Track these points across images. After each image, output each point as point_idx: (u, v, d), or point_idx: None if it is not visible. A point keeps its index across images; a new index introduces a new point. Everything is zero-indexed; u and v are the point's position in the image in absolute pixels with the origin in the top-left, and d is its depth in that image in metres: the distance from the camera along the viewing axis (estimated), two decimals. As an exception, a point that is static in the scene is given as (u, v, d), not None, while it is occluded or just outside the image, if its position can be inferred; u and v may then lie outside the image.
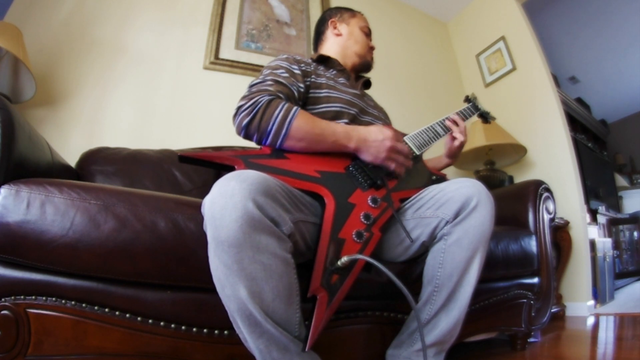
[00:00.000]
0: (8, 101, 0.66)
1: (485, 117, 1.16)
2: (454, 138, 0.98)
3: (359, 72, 1.10)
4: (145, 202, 0.66)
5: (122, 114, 1.54)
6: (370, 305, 0.83)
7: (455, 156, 1.03)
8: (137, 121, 1.56)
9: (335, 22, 1.10)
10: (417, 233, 0.75)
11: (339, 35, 1.08)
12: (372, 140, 0.78)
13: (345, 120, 0.89)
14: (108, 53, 1.59)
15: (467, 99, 1.13)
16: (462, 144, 0.99)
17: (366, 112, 0.98)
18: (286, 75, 0.84)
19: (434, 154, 1.09)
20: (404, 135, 0.94)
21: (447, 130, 0.99)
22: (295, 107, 0.74)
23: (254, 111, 0.72)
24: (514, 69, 2.25)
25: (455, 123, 0.99)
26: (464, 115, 1.06)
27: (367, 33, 1.11)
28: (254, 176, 0.55)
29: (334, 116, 0.89)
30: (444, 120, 1.00)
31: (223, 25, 1.85)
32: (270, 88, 0.77)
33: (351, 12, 1.13)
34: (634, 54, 3.25)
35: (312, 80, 0.91)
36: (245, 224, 0.50)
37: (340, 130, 0.76)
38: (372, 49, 1.10)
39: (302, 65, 0.91)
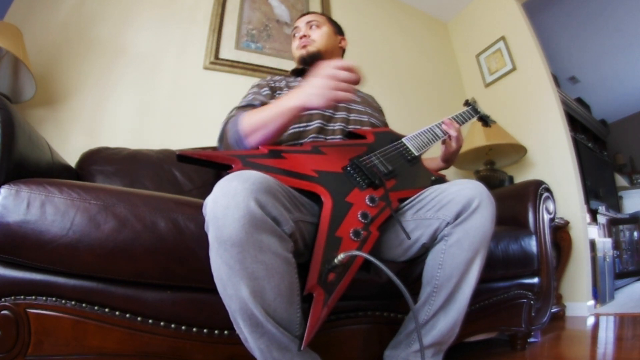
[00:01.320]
0: (8, 101, 0.66)
1: (486, 121, 1.16)
2: (448, 143, 0.98)
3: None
4: (145, 202, 0.66)
5: (122, 114, 1.54)
6: (370, 305, 0.83)
7: (450, 161, 1.02)
8: (137, 121, 1.56)
9: None
10: (417, 234, 0.75)
11: None
12: (308, 83, 0.71)
13: (319, 121, 0.94)
14: (108, 53, 1.59)
15: (467, 103, 1.13)
16: (457, 150, 0.98)
17: (346, 109, 1.01)
18: (251, 97, 0.93)
19: (434, 154, 1.09)
20: (402, 136, 0.95)
21: (445, 134, 0.99)
22: (240, 113, 0.82)
23: (220, 136, 0.85)
24: (514, 69, 2.25)
25: (451, 127, 0.98)
26: (464, 119, 1.06)
27: (294, 33, 1.13)
28: (256, 176, 0.55)
29: (308, 119, 0.94)
30: (440, 123, 1.01)
31: (223, 25, 1.85)
32: (233, 112, 0.88)
33: None
34: (634, 54, 3.25)
35: (279, 94, 0.98)
36: (248, 223, 0.51)
37: (282, 98, 0.77)
38: (300, 39, 1.09)
39: (272, 82, 1.01)
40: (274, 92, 0.97)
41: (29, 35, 1.35)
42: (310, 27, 1.09)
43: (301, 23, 1.11)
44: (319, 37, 1.08)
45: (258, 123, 0.76)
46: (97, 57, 1.56)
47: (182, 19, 1.80)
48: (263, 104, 0.89)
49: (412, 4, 2.64)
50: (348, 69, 0.69)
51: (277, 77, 1.04)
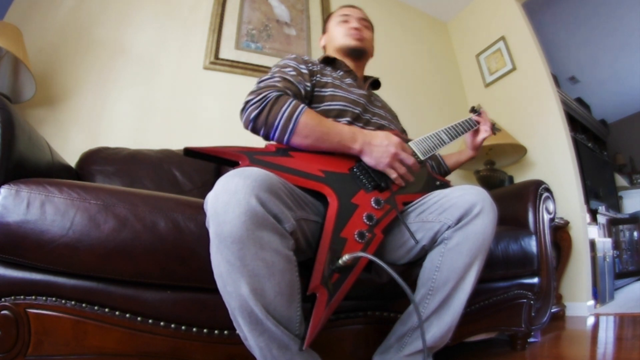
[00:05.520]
0: (8, 101, 0.66)
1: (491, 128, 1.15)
2: (475, 134, 1.06)
3: (356, 61, 1.07)
4: (145, 202, 0.66)
5: (122, 114, 1.54)
6: (370, 305, 0.83)
7: (479, 149, 1.09)
8: (137, 121, 1.56)
9: (325, 27, 1.16)
10: (418, 237, 0.75)
11: (327, 38, 1.13)
12: (377, 144, 0.77)
13: (348, 119, 0.90)
14: (108, 53, 1.59)
15: (473, 110, 1.13)
16: (485, 138, 1.06)
17: (370, 112, 0.98)
18: (294, 73, 0.87)
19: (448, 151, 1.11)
20: (409, 140, 0.94)
21: (454, 137, 1.00)
22: (302, 105, 0.76)
23: (262, 105, 0.74)
24: (514, 69, 2.25)
25: (486, 120, 1.06)
26: (470, 126, 1.06)
27: (346, 20, 1.09)
28: (258, 173, 0.55)
29: (338, 114, 0.90)
30: (450, 127, 1.00)
31: (223, 25, 1.85)
32: (279, 84, 0.80)
33: (332, 13, 1.16)
34: (634, 54, 3.25)
35: (317, 79, 0.94)
36: (249, 220, 0.51)
37: (346, 131, 0.77)
38: (355, 30, 1.06)
39: (309, 65, 0.95)
40: (312, 77, 0.93)
41: (29, 35, 1.35)
42: (363, 25, 1.09)
43: (354, 14, 1.10)
44: (369, 38, 1.10)
45: (315, 134, 0.74)
46: (97, 57, 1.56)
47: (182, 18, 1.80)
48: (305, 90, 0.87)
49: (412, 4, 2.64)
50: (414, 164, 0.80)
51: (314, 60, 0.99)
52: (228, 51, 1.82)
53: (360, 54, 1.06)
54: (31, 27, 1.44)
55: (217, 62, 1.77)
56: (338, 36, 1.07)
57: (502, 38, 2.32)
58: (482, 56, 2.46)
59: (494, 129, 1.16)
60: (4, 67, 1.31)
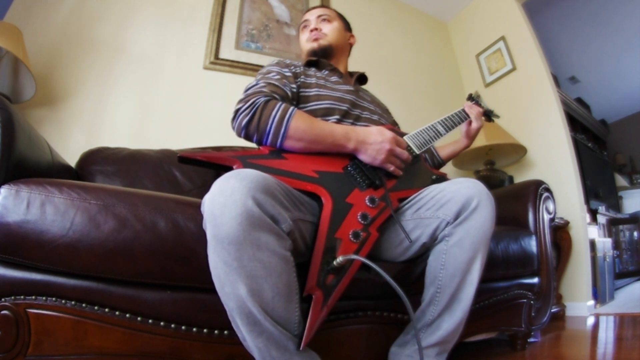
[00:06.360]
0: (8, 101, 0.66)
1: (489, 116, 1.15)
2: (470, 123, 1.05)
3: (327, 60, 1.07)
4: (145, 202, 0.66)
5: (122, 114, 1.54)
6: (370, 305, 0.83)
7: (474, 138, 1.08)
8: (137, 121, 1.56)
9: None
10: (417, 234, 0.75)
11: None
12: (371, 142, 0.78)
13: (337, 117, 0.91)
14: (108, 53, 1.59)
15: (470, 97, 1.12)
16: (479, 128, 1.05)
17: (360, 107, 0.99)
18: (278, 77, 0.88)
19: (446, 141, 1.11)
20: (404, 134, 0.94)
21: (450, 128, 1.00)
22: (292, 107, 0.76)
23: (252, 111, 0.75)
24: (514, 69, 2.26)
25: (472, 110, 1.06)
26: (466, 114, 1.06)
27: (305, 25, 1.11)
28: (253, 174, 0.55)
29: (325, 113, 0.90)
30: (445, 119, 1.01)
31: (223, 25, 1.85)
32: (265, 89, 0.81)
33: None
34: (634, 54, 3.25)
35: (302, 80, 0.95)
36: (245, 221, 0.51)
37: (339, 131, 0.77)
38: (311, 31, 1.08)
39: (292, 67, 0.96)
40: (296, 79, 0.94)
41: (29, 35, 1.35)
42: (322, 20, 1.09)
43: (312, 16, 1.10)
44: (330, 31, 1.08)
45: (308, 137, 0.74)
46: (97, 57, 1.57)
47: (182, 18, 1.80)
48: (291, 92, 0.88)
49: (412, 4, 2.64)
50: (408, 158, 0.83)
51: (297, 63, 1.01)
52: (228, 51, 1.82)
53: (323, 52, 1.06)
54: (31, 27, 1.45)
55: (217, 62, 1.77)
56: (303, 43, 1.11)
57: (502, 38, 2.32)
58: (482, 56, 2.46)
59: (493, 115, 1.16)
60: (4, 67, 1.31)
